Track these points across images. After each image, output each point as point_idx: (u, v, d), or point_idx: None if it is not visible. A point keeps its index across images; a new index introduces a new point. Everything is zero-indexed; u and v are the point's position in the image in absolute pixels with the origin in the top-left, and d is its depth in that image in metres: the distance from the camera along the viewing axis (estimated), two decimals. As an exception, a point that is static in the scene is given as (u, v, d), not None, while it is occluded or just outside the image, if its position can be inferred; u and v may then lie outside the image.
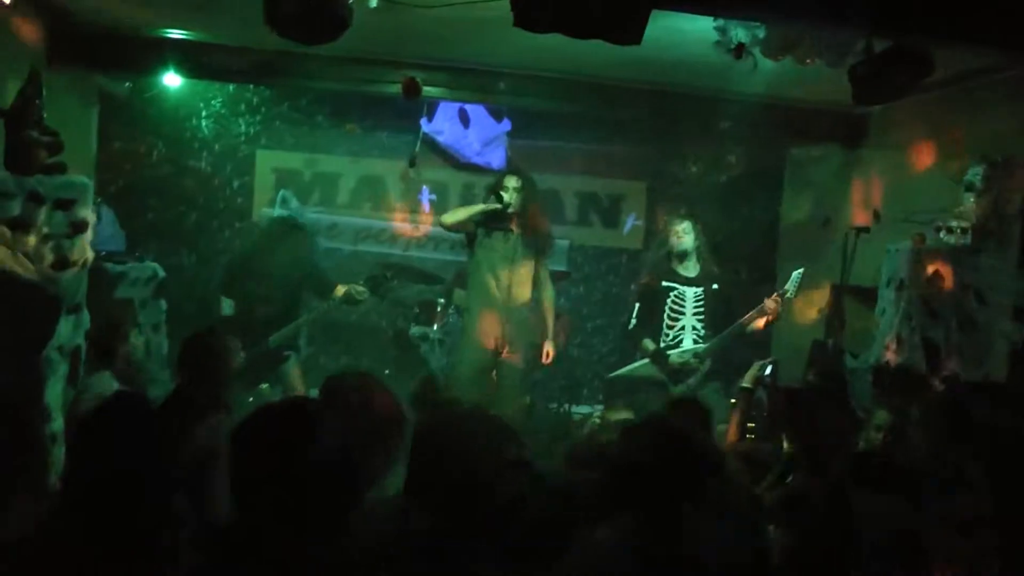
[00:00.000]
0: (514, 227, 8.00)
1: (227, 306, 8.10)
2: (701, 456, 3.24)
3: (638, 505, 3.12)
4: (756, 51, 6.07)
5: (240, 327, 7.41)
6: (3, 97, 6.96)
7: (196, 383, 5.32)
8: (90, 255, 6.78)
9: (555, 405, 9.76)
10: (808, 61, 6.18)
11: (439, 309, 9.37)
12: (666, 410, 5.22)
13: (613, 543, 2.96)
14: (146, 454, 3.39)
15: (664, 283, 7.84)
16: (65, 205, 6.56)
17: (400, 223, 10.67)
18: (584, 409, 9.87)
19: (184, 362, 5.48)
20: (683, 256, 7.87)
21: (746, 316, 7.59)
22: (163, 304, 8.83)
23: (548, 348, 8.19)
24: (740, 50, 5.99)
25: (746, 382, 6.24)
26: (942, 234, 7.25)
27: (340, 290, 7.98)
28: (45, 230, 6.45)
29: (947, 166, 7.71)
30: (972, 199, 7.19)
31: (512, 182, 8.03)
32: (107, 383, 5.98)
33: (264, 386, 7.83)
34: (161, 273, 8.86)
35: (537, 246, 8.13)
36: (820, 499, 3.67)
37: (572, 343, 10.39)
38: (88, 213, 6.73)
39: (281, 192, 8.76)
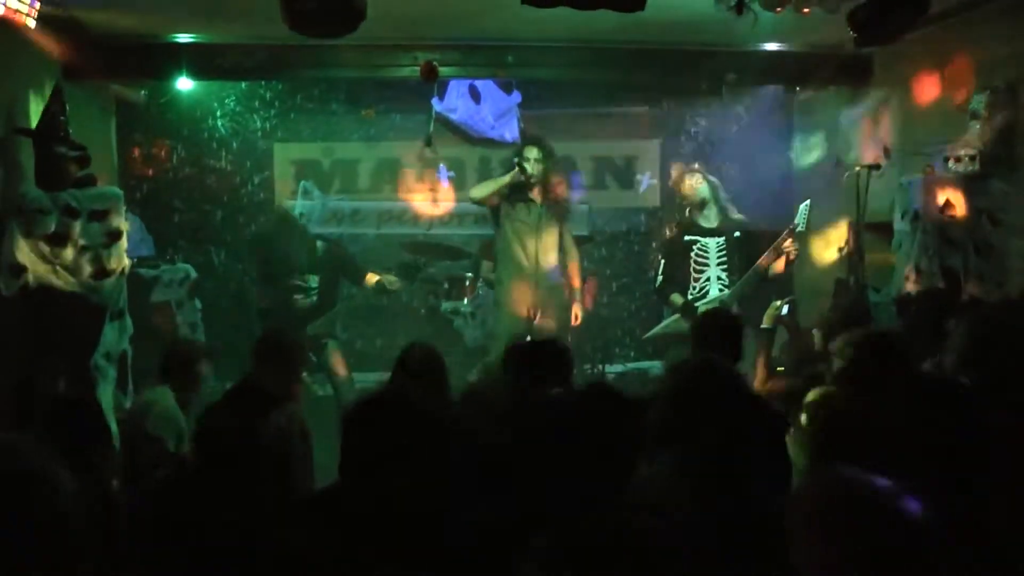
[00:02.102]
0: (536, 196, 8.19)
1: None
2: (746, 389, 3.38)
3: (691, 436, 3.25)
4: (755, 5, 6.19)
5: (279, 318, 7.61)
6: (26, 115, 7.11)
7: (270, 374, 5.53)
8: (127, 262, 6.97)
9: (589, 366, 9.90)
10: (806, 10, 6.28)
11: (468, 283, 9.49)
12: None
13: (668, 474, 3.10)
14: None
15: (686, 237, 7.95)
16: (99, 216, 6.75)
17: (421, 202, 10.78)
18: (618, 368, 10.03)
19: (261, 356, 5.67)
20: (701, 207, 7.98)
21: (763, 257, 7.69)
22: (198, 303, 9.01)
23: (576, 311, 8.37)
24: (740, 6, 6.10)
25: (765, 323, 6.38)
26: (951, 163, 7.35)
27: (372, 279, 8.12)
28: (82, 242, 6.63)
29: (952, 96, 7.81)
30: (977, 126, 7.31)
31: (533, 153, 8.20)
32: (166, 397, 5.94)
33: (306, 372, 7.97)
34: (193, 273, 9.05)
35: (559, 213, 8.33)
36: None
37: (601, 304, 10.53)
38: (122, 221, 6.91)
39: (302, 183, 8.89)
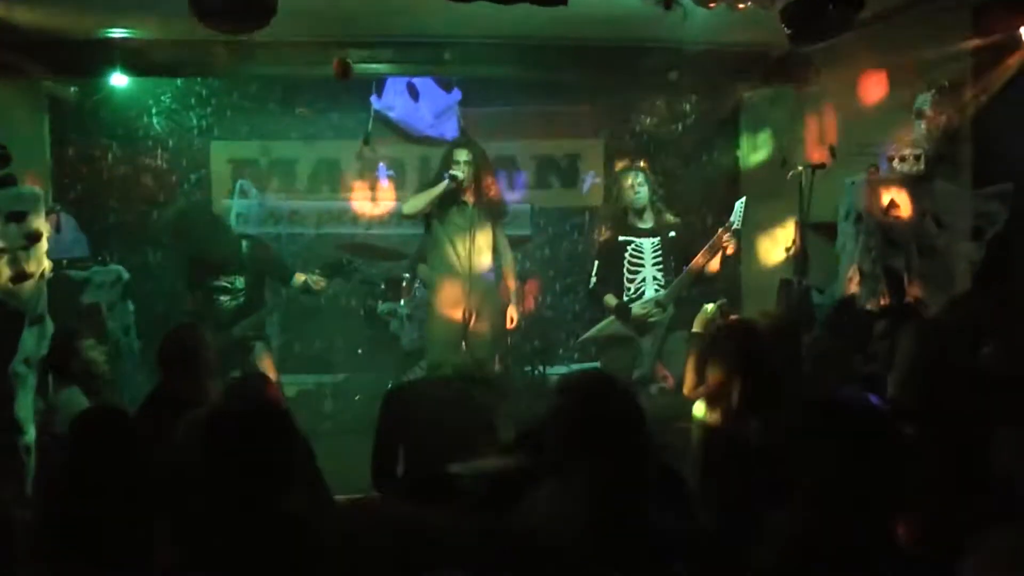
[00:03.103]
0: (468, 198, 8.01)
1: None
2: (628, 409, 3.22)
3: (575, 460, 3.12)
4: (686, 0, 6.07)
5: (206, 319, 7.41)
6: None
7: (178, 378, 5.40)
8: (47, 265, 6.75)
9: (530, 368, 9.78)
10: (741, 6, 6.17)
11: (404, 284, 9.34)
12: None
13: (554, 499, 2.97)
14: (126, 465, 3.50)
15: (620, 238, 7.80)
16: (18, 217, 6.53)
17: (360, 202, 10.64)
18: (560, 369, 9.89)
19: (163, 359, 5.53)
20: (640, 210, 7.84)
21: (699, 256, 7.55)
22: (130, 305, 8.81)
23: (512, 313, 8.22)
24: (668, 1, 5.98)
25: (696, 327, 6.20)
26: (895, 163, 7.28)
27: (299, 278, 7.94)
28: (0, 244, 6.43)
29: (898, 96, 7.72)
30: (923, 126, 7.23)
31: (462, 155, 8.02)
32: (76, 399, 5.99)
33: (236, 373, 7.77)
34: (125, 275, 8.83)
35: (492, 213, 8.16)
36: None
37: (543, 305, 10.41)
38: (42, 223, 6.69)
39: (239, 182, 8.76)
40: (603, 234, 8.06)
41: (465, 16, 6.45)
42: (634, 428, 3.14)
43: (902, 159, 7.26)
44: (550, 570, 2.61)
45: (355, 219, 10.67)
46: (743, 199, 7.60)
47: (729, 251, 7.53)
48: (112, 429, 3.65)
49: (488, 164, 8.28)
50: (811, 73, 8.97)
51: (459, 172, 7.92)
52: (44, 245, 6.72)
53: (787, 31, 6.35)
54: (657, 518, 2.95)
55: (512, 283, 8.31)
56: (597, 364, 8.59)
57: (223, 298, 7.79)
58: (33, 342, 6.64)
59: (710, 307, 6.22)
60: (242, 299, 7.84)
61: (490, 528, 2.68)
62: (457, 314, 7.92)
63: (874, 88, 8.11)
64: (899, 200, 7.28)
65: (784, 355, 4.95)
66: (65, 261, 8.40)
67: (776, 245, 9.26)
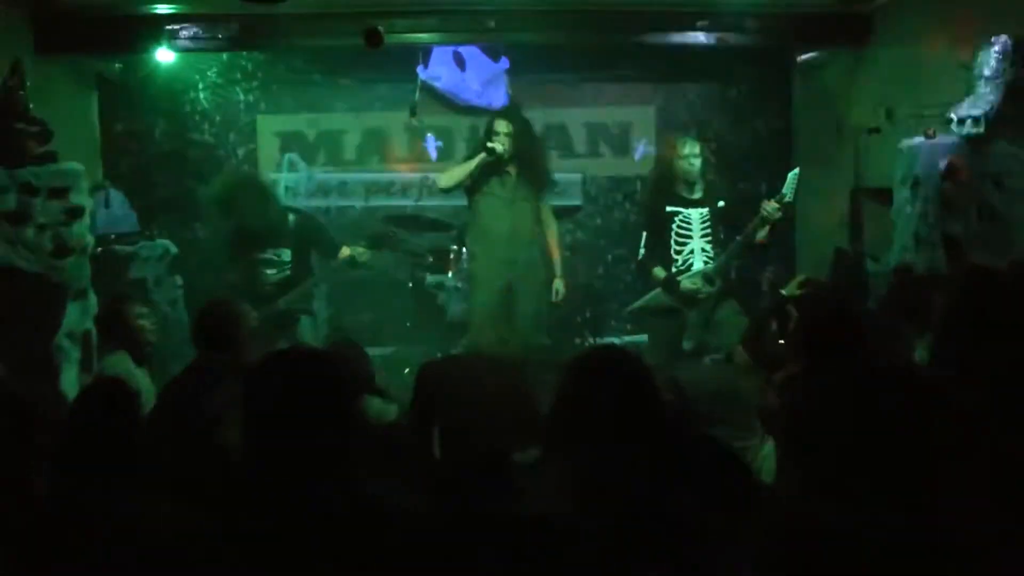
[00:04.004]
0: (510, 168, 7.88)
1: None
2: (639, 388, 3.10)
3: (582, 439, 3.01)
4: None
5: (250, 292, 7.36)
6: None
7: (213, 351, 5.37)
8: (89, 240, 6.84)
9: (580, 340, 9.68)
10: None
11: (452, 256, 9.24)
12: None
13: (561, 478, 2.85)
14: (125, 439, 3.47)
15: (668, 208, 7.63)
16: (59, 193, 6.64)
17: (409, 173, 10.58)
18: (613, 340, 9.78)
19: (198, 332, 5.52)
20: (691, 181, 7.66)
21: (748, 227, 7.37)
22: (178, 280, 8.86)
23: (557, 285, 8.08)
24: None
25: (788, 291, 6.06)
26: (954, 125, 7.06)
27: (345, 251, 7.85)
28: (42, 220, 6.54)
29: (957, 54, 7.51)
30: (984, 85, 7.02)
31: (502, 127, 7.87)
32: (123, 364, 6.07)
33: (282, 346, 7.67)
34: (173, 249, 8.89)
35: (536, 184, 8.01)
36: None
37: (594, 275, 10.31)
38: (83, 199, 6.79)
39: (287, 156, 8.74)
40: (649, 204, 7.87)
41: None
42: (640, 406, 3.03)
43: (961, 121, 7.04)
44: (548, 559, 2.49)
45: (404, 190, 10.59)
46: (796, 169, 7.37)
47: (775, 222, 7.34)
48: (112, 404, 3.61)
49: (531, 134, 8.14)
50: (867, 34, 8.76)
51: (498, 145, 7.77)
52: (86, 220, 6.78)
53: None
54: (669, 500, 2.80)
55: (557, 255, 8.18)
56: (645, 337, 8.50)
57: (269, 271, 7.74)
58: (76, 316, 6.75)
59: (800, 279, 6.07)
60: (287, 272, 7.78)
61: (487, 514, 2.56)
62: (499, 287, 7.79)
63: (933, 47, 7.89)
64: (957, 163, 7.07)
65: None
66: (113, 236, 8.45)
67: (831, 213, 9.07)
